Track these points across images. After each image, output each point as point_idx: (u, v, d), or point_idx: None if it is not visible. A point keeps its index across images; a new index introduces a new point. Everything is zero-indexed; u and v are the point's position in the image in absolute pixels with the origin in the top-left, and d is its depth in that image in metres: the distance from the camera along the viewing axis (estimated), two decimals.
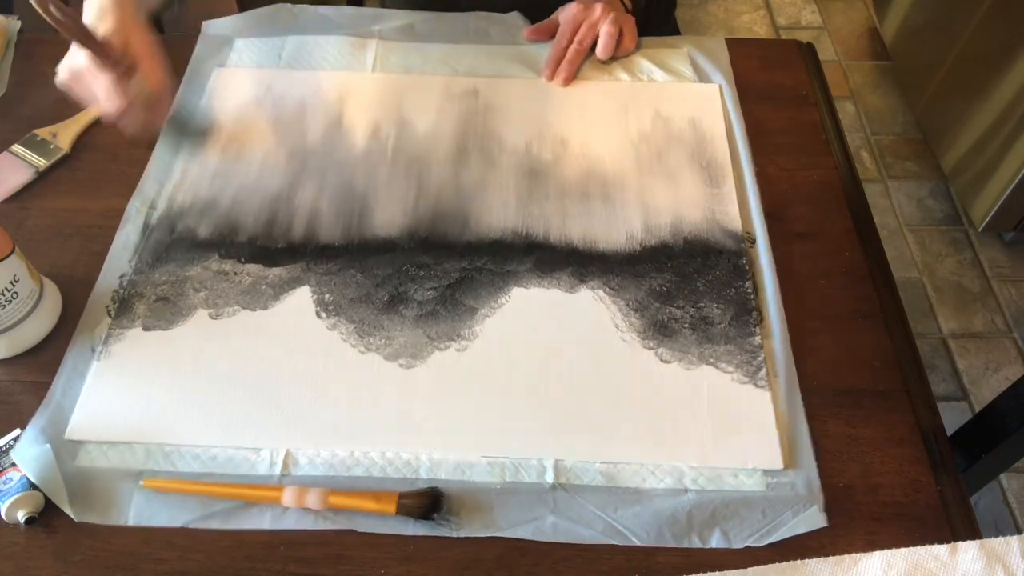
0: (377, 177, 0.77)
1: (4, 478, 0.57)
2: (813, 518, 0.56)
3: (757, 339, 0.65)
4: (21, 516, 0.56)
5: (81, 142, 0.80)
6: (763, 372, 0.64)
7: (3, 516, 0.56)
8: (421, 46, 0.88)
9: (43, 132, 0.80)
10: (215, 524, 0.56)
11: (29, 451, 0.59)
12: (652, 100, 0.83)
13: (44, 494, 0.57)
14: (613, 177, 0.77)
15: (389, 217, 0.73)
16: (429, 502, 0.56)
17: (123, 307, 0.67)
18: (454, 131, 0.81)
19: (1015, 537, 0.53)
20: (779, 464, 0.59)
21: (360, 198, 0.75)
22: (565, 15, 0.88)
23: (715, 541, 0.56)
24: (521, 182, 0.76)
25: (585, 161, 0.78)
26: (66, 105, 0.82)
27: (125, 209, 0.74)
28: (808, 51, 0.90)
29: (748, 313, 0.67)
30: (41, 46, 0.90)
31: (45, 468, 0.58)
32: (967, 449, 0.75)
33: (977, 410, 1.43)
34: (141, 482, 0.58)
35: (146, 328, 0.66)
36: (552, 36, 0.88)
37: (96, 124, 0.82)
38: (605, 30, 0.84)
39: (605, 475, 0.59)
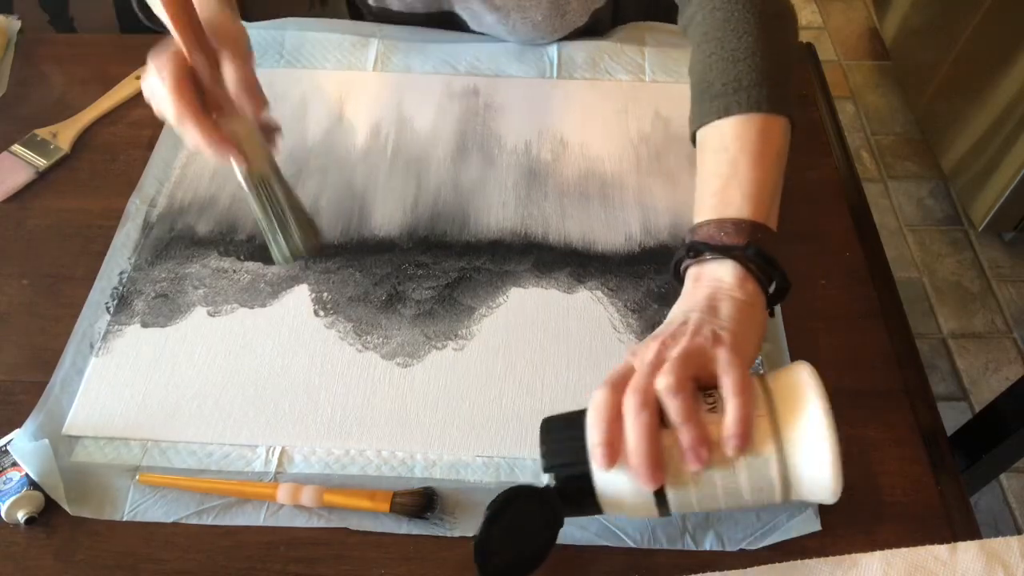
0: (376, 176, 0.77)
1: (4, 478, 0.57)
2: (807, 521, 0.56)
3: None
4: (21, 516, 0.56)
5: (81, 142, 0.80)
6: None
7: (3, 516, 0.56)
8: (422, 45, 0.88)
9: (43, 132, 0.80)
10: (209, 520, 0.57)
11: (26, 446, 0.59)
12: (652, 101, 0.83)
13: (43, 492, 0.57)
14: (612, 178, 0.77)
15: (388, 216, 0.73)
16: (423, 501, 0.56)
17: (122, 304, 0.68)
18: (454, 130, 0.80)
19: (1015, 537, 0.52)
20: None
21: (359, 197, 0.75)
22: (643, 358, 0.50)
23: (709, 543, 0.55)
24: (520, 182, 0.76)
25: (584, 161, 0.78)
26: (66, 105, 0.83)
27: (125, 208, 0.74)
28: (808, 51, 0.90)
29: None
30: (41, 46, 0.90)
31: (42, 462, 0.58)
32: (967, 449, 0.75)
33: (977, 410, 1.43)
34: (137, 478, 0.58)
35: (144, 325, 0.66)
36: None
37: (96, 124, 0.82)
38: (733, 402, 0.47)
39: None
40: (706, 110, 0.60)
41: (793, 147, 0.80)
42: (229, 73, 0.54)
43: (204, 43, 0.54)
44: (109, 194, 0.75)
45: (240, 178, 0.55)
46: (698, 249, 0.54)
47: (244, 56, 0.55)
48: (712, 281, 0.53)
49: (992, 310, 1.64)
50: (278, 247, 0.54)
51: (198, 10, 0.55)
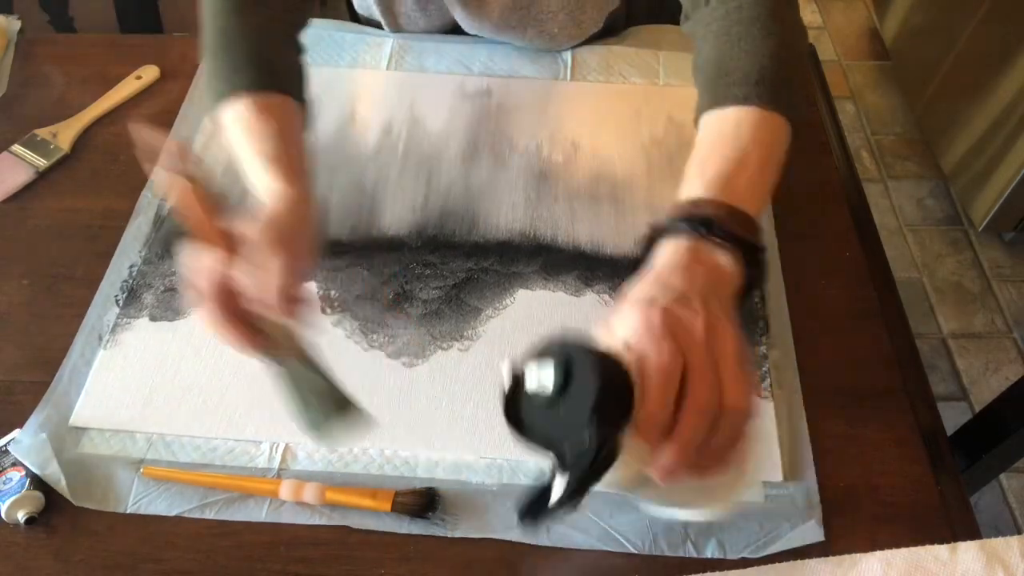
0: (387, 175, 0.76)
1: (4, 478, 0.57)
2: (810, 531, 0.56)
3: (763, 349, 0.65)
4: (21, 516, 0.56)
5: (81, 142, 0.80)
6: (767, 383, 0.63)
7: (3, 516, 0.56)
8: (437, 45, 0.88)
9: (43, 132, 0.80)
10: (212, 515, 0.57)
11: (27, 440, 0.59)
12: (665, 105, 0.83)
13: (43, 492, 0.57)
14: (623, 181, 0.76)
15: (398, 215, 0.73)
16: (424, 501, 0.56)
17: (131, 297, 0.68)
18: (465, 130, 0.80)
19: (1015, 537, 0.53)
20: (779, 476, 0.59)
21: (369, 195, 0.75)
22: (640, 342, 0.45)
23: (710, 551, 0.55)
24: (530, 183, 0.76)
25: (595, 164, 0.78)
26: (66, 105, 0.83)
27: (126, 208, 0.74)
28: (808, 51, 0.90)
29: (755, 322, 0.67)
30: (41, 46, 0.90)
31: (42, 456, 0.58)
32: (967, 449, 0.75)
33: (977, 410, 1.43)
34: (141, 470, 0.59)
35: (153, 319, 0.66)
36: None
37: (96, 124, 0.82)
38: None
39: (602, 480, 0.58)
40: (722, 95, 0.58)
41: (793, 147, 0.80)
42: (269, 280, 0.49)
43: (233, 247, 0.49)
44: (109, 194, 0.76)
45: (264, 364, 0.51)
46: (708, 225, 0.49)
47: (292, 267, 0.50)
48: (712, 264, 0.48)
49: (992, 310, 1.64)
50: (307, 423, 0.51)
51: (274, 180, 0.54)
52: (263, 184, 0.56)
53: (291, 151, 0.58)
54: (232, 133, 0.59)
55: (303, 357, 0.51)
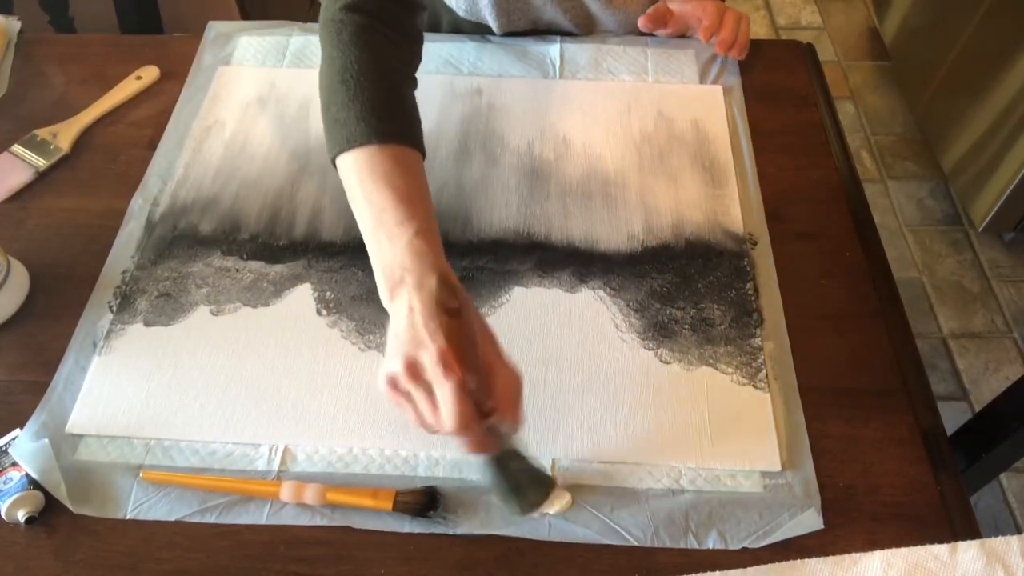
0: None
1: (4, 478, 0.57)
2: (810, 520, 0.56)
3: (757, 341, 0.65)
4: (21, 516, 0.56)
5: (81, 142, 0.80)
6: (763, 374, 0.64)
7: (3, 516, 0.56)
8: (426, 46, 0.88)
9: (43, 132, 0.80)
10: (212, 518, 0.57)
11: (28, 445, 0.59)
12: (655, 101, 0.83)
13: (43, 491, 0.57)
14: (615, 177, 0.77)
15: None
16: (426, 500, 0.56)
17: (125, 302, 0.68)
18: (457, 130, 0.80)
19: (1015, 537, 0.53)
20: (777, 466, 0.59)
21: None
22: (686, 9, 0.86)
23: (712, 542, 0.56)
24: (523, 181, 0.76)
25: (587, 161, 0.78)
26: (66, 105, 0.83)
27: (125, 209, 0.74)
28: (808, 51, 0.90)
29: (749, 315, 0.67)
30: (41, 46, 0.90)
31: (43, 462, 0.58)
32: (967, 449, 0.75)
33: (977, 410, 1.43)
34: (140, 476, 0.58)
35: (147, 324, 0.66)
36: (663, 26, 0.87)
37: (96, 124, 0.82)
38: (743, 30, 0.85)
39: (603, 475, 0.59)
40: None
41: (793, 147, 0.80)
42: (499, 390, 0.52)
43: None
44: (109, 194, 0.76)
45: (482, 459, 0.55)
46: None
47: (517, 376, 0.53)
48: None
49: (992, 310, 1.64)
50: (509, 506, 0.56)
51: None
52: (420, 257, 0.54)
53: (433, 222, 0.58)
54: (364, 186, 0.58)
55: (513, 447, 0.55)
